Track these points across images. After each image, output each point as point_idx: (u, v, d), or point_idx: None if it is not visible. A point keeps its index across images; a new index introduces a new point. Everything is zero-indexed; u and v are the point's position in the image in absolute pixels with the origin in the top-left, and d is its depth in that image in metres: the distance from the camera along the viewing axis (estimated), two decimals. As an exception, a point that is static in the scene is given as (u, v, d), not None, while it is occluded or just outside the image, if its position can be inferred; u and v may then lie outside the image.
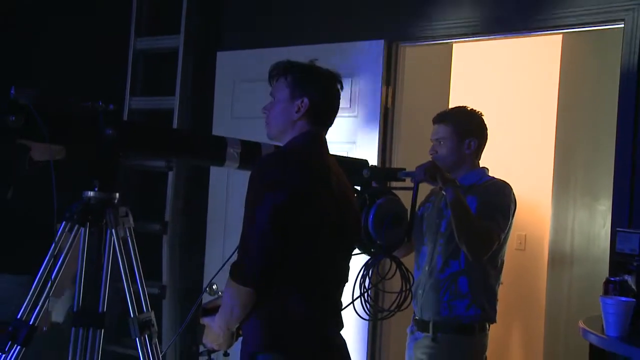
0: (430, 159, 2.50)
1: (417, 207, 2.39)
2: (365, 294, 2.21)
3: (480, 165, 2.56)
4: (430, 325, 2.45)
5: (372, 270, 2.23)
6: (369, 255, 2.25)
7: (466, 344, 2.45)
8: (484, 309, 2.44)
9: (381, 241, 2.17)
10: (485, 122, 2.55)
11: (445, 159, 2.48)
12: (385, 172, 2.62)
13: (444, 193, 2.35)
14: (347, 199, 1.93)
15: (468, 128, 2.50)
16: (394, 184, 2.52)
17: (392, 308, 2.26)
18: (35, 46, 3.55)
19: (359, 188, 2.28)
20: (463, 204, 2.31)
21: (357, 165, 2.36)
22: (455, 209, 2.29)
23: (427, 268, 2.49)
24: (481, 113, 2.55)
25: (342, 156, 2.29)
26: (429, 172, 2.31)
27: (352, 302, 2.16)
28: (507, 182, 2.50)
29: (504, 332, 4.23)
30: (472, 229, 2.31)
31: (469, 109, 2.55)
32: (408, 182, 2.40)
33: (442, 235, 2.47)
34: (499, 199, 2.42)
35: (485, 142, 2.56)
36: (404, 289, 2.23)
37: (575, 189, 4.27)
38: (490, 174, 2.56)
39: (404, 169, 2.44)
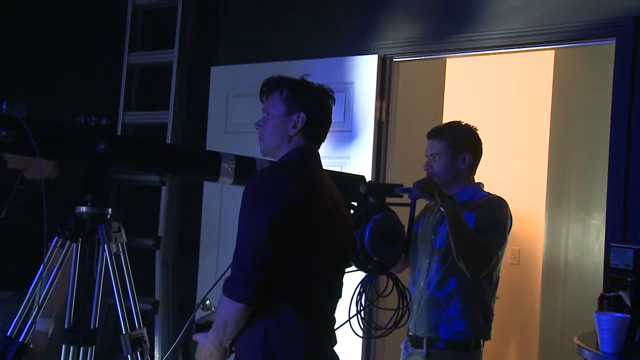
0: (425, 175, 2.49)
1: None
2: (362, 312, 2.19)
3: (475, 181, 2.56)
4: (425, 341, 2.43)
5: (368, 287, 2.21)
6: (365, 272, 2.24)
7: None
8: (480, 325, 2.42)
9: (378, 258, 2.15)
10: (480, 137, 2.55)
11: (440, 174, 2.47)
12: (382, 188, 2.61)
13: (442, 209, 2.34)
14: (340, 214, 1.92)
15: (463, 143, 2.49)
16: (391, 200, 2.51)
17: (389, 326, 2.24)
18: (26, 59, 3.54)
19: (355, 204, 2.28)
20: (462, 221, 2.29)
21: (354, 181, 2.35)
22: (454, 226, 2.27)
23: (422, 284, 2.48)
24: (476, 128, 2.54)
25: (339, 172, 2.28)
26: (426, 188, 2.30)
27: (349, 320, 2.14)
28: (503, 197, 2.50)
29: (498, 348, 4.21)
30: (470, 246, 2.29)
31: (463, 123, 2.54)
32: (405, 198, 2.39)
33: (436, 251, 2.45)
34: (496, 216, 2.41)
35: (480, 157, 2.55)
36: (401, 306, 2.22)
37: (569, 203, 4.29)
38: (485, 188, 2.56)
39: (402, 185, 2.43)
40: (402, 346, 2.58)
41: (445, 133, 2.51)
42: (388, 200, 2.43)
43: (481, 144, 2.55)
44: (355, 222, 2.12)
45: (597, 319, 2.19)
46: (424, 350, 2.43)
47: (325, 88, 1.94)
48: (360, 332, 2.28)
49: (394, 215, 2.24)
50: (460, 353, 2.42)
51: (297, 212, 1.75)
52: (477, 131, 2.55)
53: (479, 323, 2.42)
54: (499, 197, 2.50)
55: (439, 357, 2.42)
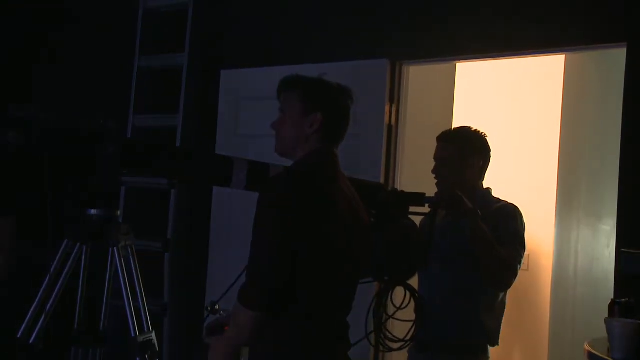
0: (434, 178, 2.48)
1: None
2: (382, 326, 2.14)
3: (484, 186, 2.55)
4: (433, 346, 2.42)
5: (385, 299, 2.17)
6: (381, 282, 2.21)
7: None
8: (488, 330, 2.42)
9: (395, 268, 2.12)
10: (489, 143, 2.54)
11: (450, 179, 2.45)
12: (403, 196, 2.58)
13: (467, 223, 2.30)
14: (358, 223, 1.88)
15: (472, 148, 2.48)
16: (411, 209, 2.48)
17: (408, 338, 2.19)
18: (37, 62, 3.56)
19: (374, 212, 2.23)
20: (487, 236, 2.27)
21: (373, 188, 2.31)
22: (480, 241, 2.26)
23: (431, 289, 2.46)
24: (485, 134, 2.53)
25: (358, 179, 2.23)
26: (450, 200, 2.28)
27: (367, 336, 2.07)
28: (515, 204, 2.48)
29: (507, 354, 4.19)
30: (497, 261, 2.29)
31: (473, 129, 2.54)
32: (425, 208, 2.35)
33: (446, 257, 2.44)
34: (514, 226, 2.41)
35: (489, 162, 2.54)
36: (419, 317, 2.19)
37: (579, 209, 4.26)
38: (495, 194, 2.55)
39: (424, 194, 2.36)
40: (408, 350, 2.56)
41: (454, 138, 2.50)
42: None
43: (490, 150, 2.53)
44: (373, 231, 2.10)
45: (609, 325, 2.17)
46: (433, 355, 2.41)
47: (344, 87, 1.90)
48: (379, 346, 2.25)
49: (414, 224, 2.21)
50: (468, 358, 2.41)
51: (312, 222, 1.73)
52: (487, 137, 2.53)
53: (487, 328, 2.41)
54: (512, 204, 2.48)
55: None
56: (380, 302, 2.14)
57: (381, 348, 2.20)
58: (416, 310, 2.17)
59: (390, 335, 2.18)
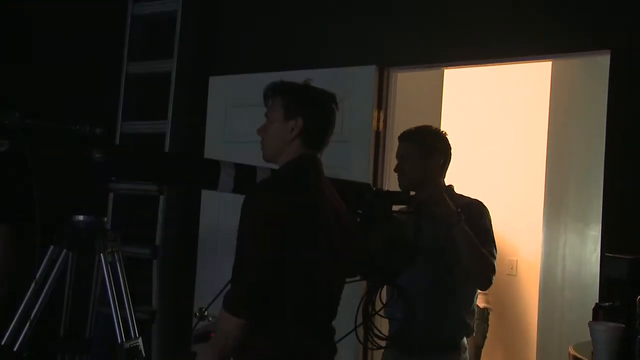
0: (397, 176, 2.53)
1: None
2: (368, 322, 2.17)
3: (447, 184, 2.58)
4: (419, 347, 2.44)
5: (374, 297, 2.19)
6: (371, 281, 2.23)
7: None
8: (467, 325, 2.49)
9: (383, 266, 2.14)
10: (449, 142, 2.57)
11: (410, 175, 2.49)
12: (387, 195, 2.61)
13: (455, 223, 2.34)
14: (342, 224, 1.90)
15: (432, 146, 2.53)
16: (395, 208, 2.51)
17: (396, 335, 2.23)
18: (24, 67, 3.54)
19: (360, 212, 2.26)
20: (472, 237, 2.31)
21: (358, 188, 2.34)
22: (466, 242, 2.30)
23: (410, 288, 2.48)
24: (445, 133, 2.58)
25: (344, 180, 2.26)
26: (432, 198, 2.31)
27: (355, 329, 2.12)
28: (480, 200, 2.53)
29: (494, 358, 4.20)
30: (483, 259, 2.34)
31: (433, 128, 2.60)
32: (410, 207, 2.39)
33: (424, 256, 2.45)
34: (484, 223, 2.45)
35: (450, 160, 2.58)
36: (407, 315, 2.21)
37: (566, 214, 4.29)
38: (485, 199, 2.56)
39: (408, 193, 2.43)
40: (390, 354, 2.57)
41: (415, 136, 2.55)
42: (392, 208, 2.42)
43: (451, 148, 2.57)
44: (360, 230, 2.11)
45: (592, 329, 2.18)
46: (417, 354, 2.43)
47: (328, 93, 1.92)
48: (368, 344, 2.27)
49: (400, 223, 2.24)
50: (453, 353, 2.46)
51: (295, 227, 1.74)
52: (447, 136, 2.57)
53: (467, 323, 2.48)
54: (477, 200, 2.53)
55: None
56: (369, 300, 2.16)
57: (369, 345, 2.22)
58: (405, 307, 2.20)
59: (379, 333, 2.21)
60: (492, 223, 2.51)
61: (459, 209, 2.32)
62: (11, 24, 3.51)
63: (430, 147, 2.51)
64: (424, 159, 2.50)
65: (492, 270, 2.37)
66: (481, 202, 2.52)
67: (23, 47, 3.56)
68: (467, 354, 2.54)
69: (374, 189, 2.39)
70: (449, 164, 2.57)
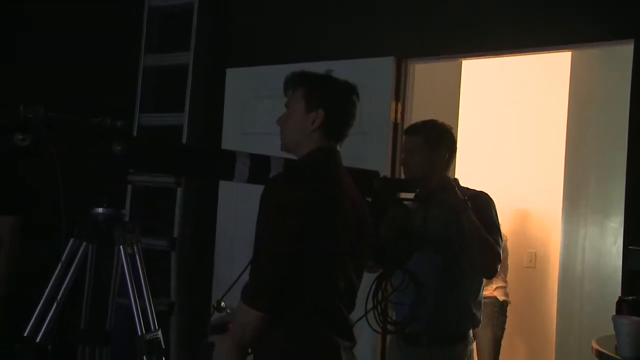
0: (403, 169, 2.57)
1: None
2: (379, 307, 2.18)
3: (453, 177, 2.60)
4: (423, 337, 2.46)
5: (384, 282, 2.21)
6: (381, 267, 2.23)
7: (460, 353, 2.49)
8: (475, 316, 2.51)
9: (393, 253, 2.15)
10: (454, 136, 2.61)
11: (416, 169, 2.52)
12: (396, 183, 2.62)
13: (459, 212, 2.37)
14: (360, 219, 1.89)
15: (438, 139, 2.55)
16: (404, 195, 2.51)
17: (406, 321, 2.26)
18: (44, 62, 3.56)
19: (369, 199, 2.26)
20: (479, 226, 2.36)
21: (367, 176, 2.33)
22: (473, 231, 2.35)
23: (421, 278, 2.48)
24: (450, 127, 2.61)
25: (352, 167, 2.26)
26: (441, 186, 2.34)
27: (365, 314, 2.13)
28: (486, 192, 2.56)
29: (514, 352, 4.18)
30: (489, 248, 2.38)
31: (439, 122, 2.61)
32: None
33: (432, 245, 2.46)
34: (490, 214, 2.49)
35: (455, 154, 2.61)
36: (417, 300, 2.24)
37: (586, 206, 4.24)
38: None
39: (418, 181, 2.44)
40: (397, 345, 2.58)
41: (420, 130, 2.57)
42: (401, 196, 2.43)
43: (456, 142, 2.62)
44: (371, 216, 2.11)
45: (616, 323, 2.16)
46: (424, 345, 2.44)
47: (350, 84, 1.89)
48: (377, 327, 2.28)
49: (409, 210, 2.23)
50: (459, 345, 2.48)
51: (314, 219, 1.73)
52: (452, 130, 2.62)
53: (474, 314, 2.51)
54: (483, 192, 2.56)
55: (439, 351, 2.46)
56: (380, 286, 2.18)
57: (380, 330, 2.23)
58: (415, 293, 2.23)
59: (389, 319, 2.25)
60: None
61: (466, 198, 2.37)
62: (30, 20, 3.54)
63: (436, 141, 2.54)
64: (430, 152, 2.53)
65: (498, 258, 2.42)
66: (487, 194, 2.56)
67: (43, 43, 3.58)
68: (473, 346, 2.57)
69: (383, 176, 2.39)
70: (454, 158, 2.61)
